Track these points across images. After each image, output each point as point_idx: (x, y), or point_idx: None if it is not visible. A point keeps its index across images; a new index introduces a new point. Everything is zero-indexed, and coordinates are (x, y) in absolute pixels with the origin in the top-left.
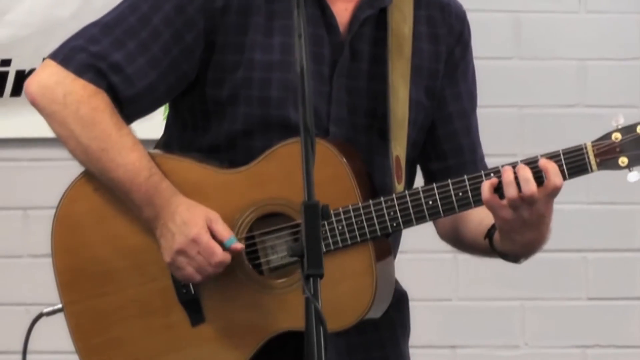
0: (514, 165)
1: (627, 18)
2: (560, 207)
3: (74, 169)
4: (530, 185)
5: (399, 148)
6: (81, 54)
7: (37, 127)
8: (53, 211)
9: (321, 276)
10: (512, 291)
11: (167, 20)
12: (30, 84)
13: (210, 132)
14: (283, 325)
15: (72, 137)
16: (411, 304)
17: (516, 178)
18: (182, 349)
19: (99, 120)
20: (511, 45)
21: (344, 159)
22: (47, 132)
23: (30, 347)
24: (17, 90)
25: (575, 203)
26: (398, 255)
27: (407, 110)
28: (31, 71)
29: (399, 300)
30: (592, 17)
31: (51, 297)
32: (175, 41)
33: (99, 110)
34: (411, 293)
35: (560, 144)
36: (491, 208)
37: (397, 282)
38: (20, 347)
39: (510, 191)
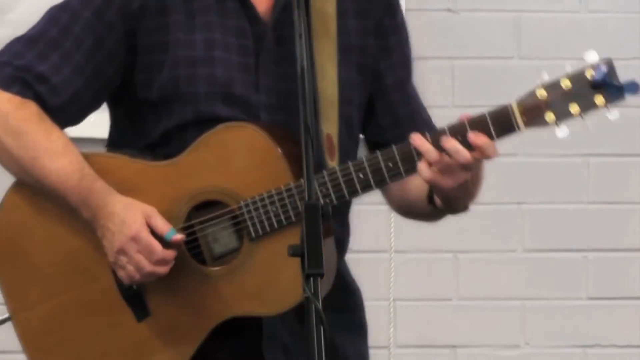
0: (440, 133)
1: (628, 18)
2: (560, 207)
3: None
4: (462, 155)
5: (329, 125)
6: (6, 69)
7: None
8: None
9: (321, 275)
10: (512, 291)
11: (88, 27)
12: None
13: (147, 134)
14: (228, 312)
15: (4, 150)
16: (411, 303)
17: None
18: (129, 345)
19: (27, 129)
20: (511, 45)
21: (273, 142)
22: None
23: None
24: None
25: (575, 203)
26: (398, 255)
27: (335, 88)
28: None
29: (359, 300)
30: (593, 17)
31: None
32: (98, 47)
33: (26, 120)
34: (411, 293)
35: (560, 143)
36: (433, 185)
37: (353, 278)
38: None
39: (445, 161)
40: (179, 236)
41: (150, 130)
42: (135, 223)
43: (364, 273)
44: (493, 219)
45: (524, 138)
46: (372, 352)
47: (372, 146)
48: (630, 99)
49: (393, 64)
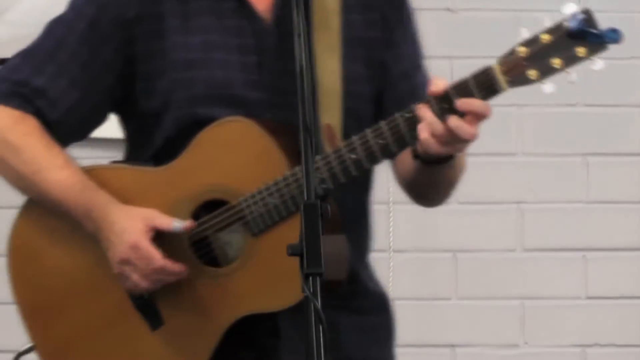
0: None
1: (627, 17)
2: (560, 206)
3: None
4: (467, 130)
5: (329, 116)
6: (4, 84)
7: None
8: None
9: (321, 275)
10: (511, 290)
11: (83, 39)
12: None
13: (152, 143)
14: (238, 312)
15: (7, 166)
16: (410, 302)
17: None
18: (147, 355)
19: (27, 144)
20: (510, 45)
21: (267, 133)
22: None
23: None
24: None
25: (574, 202)
26: (397, 254)
27: (337, 80)
28: None
29: (382, 302)
30: None
31: None
32: (94, 58)
33: (27, 135)
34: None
35: (560, 143)
36: (429, 150)
37: (376, 282)
38: (20, 347)
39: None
40: (188, 223)
41: (154, 140)
42: (135, 231)
43: None
44: (492, 218)
45: (523, 138)
46: None
47: None
48: (628, 99)
49: (399, 55)
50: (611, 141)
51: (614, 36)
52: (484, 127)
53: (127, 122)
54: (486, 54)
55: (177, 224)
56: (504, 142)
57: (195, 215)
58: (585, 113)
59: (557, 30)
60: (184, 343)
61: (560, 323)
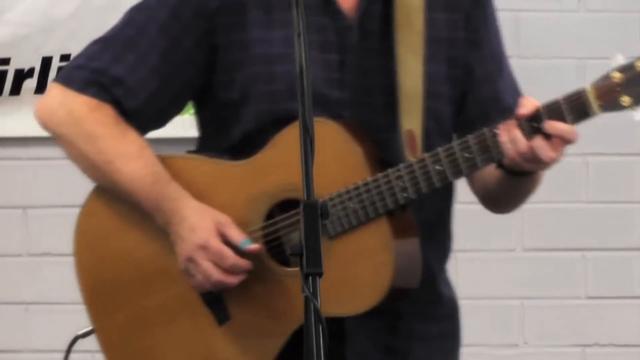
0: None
1: (627, 17)
2: (559, 206)
3: (74, 169)
4: (546, 152)
5: (410, 121)
6: (82, 71)
7: (36, 126)
8: (52, 210)
9: (320, 275)
10: (511, 290)
11: (164, 28)
12: (37, 110)
13: (228, 135)
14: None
15: (80, 155)
16: None
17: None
18: (211, 350)
19: (102, 133)
20: (511, 44)
21: (351, 137)
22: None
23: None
24: (16, 89)
25: (574, 202)
26: None
27: (420, 82)
28: (30, 70)
29: (452, 309)
30: (592, 16)
31: (50, 296)
32: (175, 48)
33: (101, 124)
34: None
35: None
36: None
37: (450, 287)
38: (20, 347)
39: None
40: (253, 246)
41: (231, 132)
42: (205, 231)
43: None
44: (492, 218)
45: None
46: None
47: None
48: None
49: (483, 57)
50: (611, 141)
51: None
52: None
53: (203, 111)
54: None
55: (246, 243)
56: None
57: (270, 214)
58: None
59: None
60: (250, 341)
61: (560, 323)
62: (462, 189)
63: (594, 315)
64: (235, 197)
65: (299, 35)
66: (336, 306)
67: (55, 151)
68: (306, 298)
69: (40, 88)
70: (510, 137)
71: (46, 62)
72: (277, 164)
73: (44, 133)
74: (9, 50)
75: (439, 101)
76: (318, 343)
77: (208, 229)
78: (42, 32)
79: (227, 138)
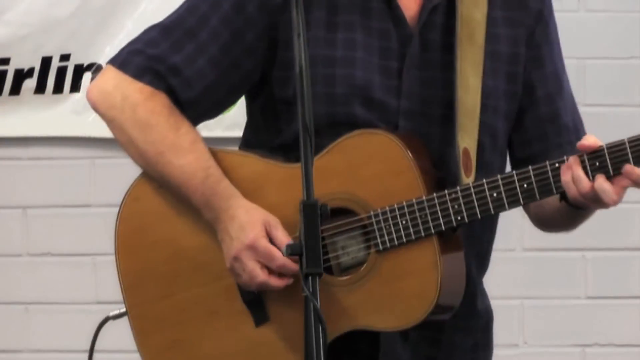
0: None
1: (626, 17)
2: None
3: (74, 168)
4: (609, 196)
5: (467, 139)
6: (139, 57)
7: (36, 125)
8: (52, 210)
9: (320, 275)
10: (511, 290)
11: (226, 20)
12: (90, 90)
13: (280, 133)
14: (348, 325)
15: (131, 142)
16: None
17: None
18: (246, 350)
19: (155, 122)
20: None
21: (409, 153)
22: (46, 131)
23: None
24: (15, 89)
25: None
26: None
27: (478, 99)
28: (30, 70)
29: (486, 321)
30: (591, 16)
31: (50, 296)
32: (235, 41)
33: (155, 113)
34: None
35: None
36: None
37: (486, 298)
38: (20, 347)
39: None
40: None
41: (284, 130)
42: (254, 231)
43: None
44: None
45: None
46: None
47: (514, 159)
48: (628, 99)
49: (545, 75)
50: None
51: None
52: None
53: (256, 104)
54: None
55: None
56: None
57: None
58: (584, 113)
59: None
60: (284, 345)
61: (560, 323)
62: None
63: (593, 315)
64: (286, 199)
65: (298, 35)
66: (378, 321)
67: (55, 151)
68: (306, 298)
69: (40, 88)
70: (573, 177)
71: (46, 62)
72: (332, 171)
73: (44, 133)
74: (9, 50)
75: (495, 116)
76: (317, 342)
77: (257, 229)
78: (42, 32)
79: (279, 135)
